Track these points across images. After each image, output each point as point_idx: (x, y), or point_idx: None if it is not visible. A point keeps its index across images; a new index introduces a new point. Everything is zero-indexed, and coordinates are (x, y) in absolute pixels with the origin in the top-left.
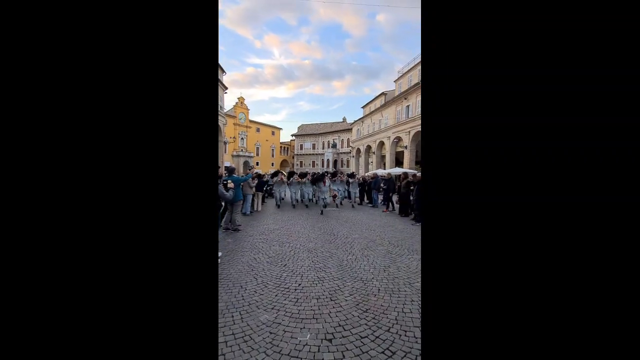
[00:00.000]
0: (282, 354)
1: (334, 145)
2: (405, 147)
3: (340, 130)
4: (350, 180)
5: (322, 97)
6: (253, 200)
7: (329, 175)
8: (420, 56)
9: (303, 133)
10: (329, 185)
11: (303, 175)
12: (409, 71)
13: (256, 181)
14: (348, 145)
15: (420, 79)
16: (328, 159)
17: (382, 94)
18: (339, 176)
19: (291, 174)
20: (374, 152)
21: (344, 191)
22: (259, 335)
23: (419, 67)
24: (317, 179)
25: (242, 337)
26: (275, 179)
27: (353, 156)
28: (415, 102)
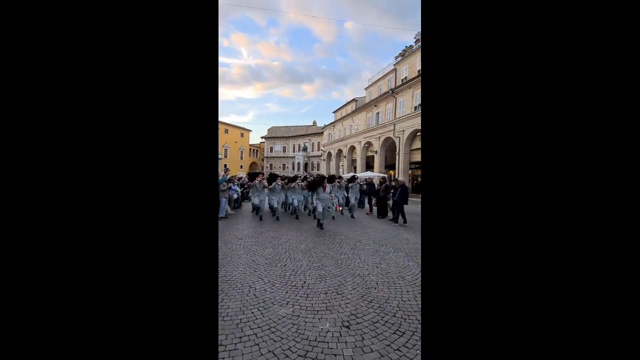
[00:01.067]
0: (309, 340)
1: (305, 149)
2: (376, 152)
3: (311, 134)
4: (350, 184)
5: (291, 99)
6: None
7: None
8: (387, 68)
9: (273, 135)
10: (330, 192)
11: (291, 179)
12: (378, 80)
13: (230, 185)
14: (319, 149)
15: (389, 87)
16: (299, 162)
17: (353, 100)
18: (337, 181)
19: (273, 177)
20: (344, 156)
21: (342, 198)
22: (283, 327)
23: (388, 77)
24: (315, 184)
25: (269, 328)
26: (253, 182)
27: (324, 160)
28: (384, 110)
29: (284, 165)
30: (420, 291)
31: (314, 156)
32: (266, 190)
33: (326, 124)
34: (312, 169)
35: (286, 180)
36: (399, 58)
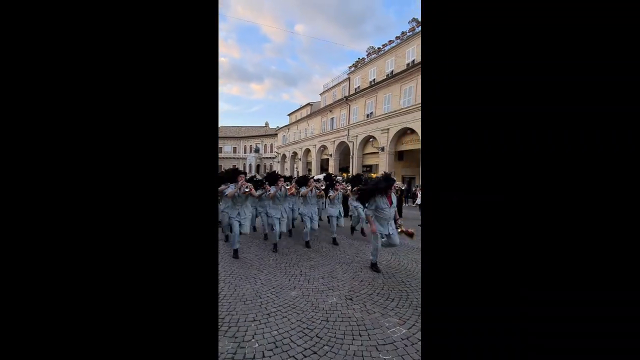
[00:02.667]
0: (325, 310)
1: (257, 150)
2: (330, 155)
3: (264, 135)
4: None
5: (240, 98)
6: None
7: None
8: (342, 76)
9: (223, 135)
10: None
11: (301, 180)
12: (333, 87)
13: None
14: (271, 150)
15: (343, 95)
16: (250, 164)
17: (308, 104)
18: (341, 185)
19: (272, 176)
20: (299, 159)
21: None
22: (299, 303)
23: (343, 85)
24: (373, 191)
25: (289, 305)
26: (229, 189)
27: (278, 162)
28: (339, 116)
29: (234, 166)
30: (395, 272)
31: (267, 158)
32: (246, 205)
33: (279, 125)
34: (265, 171)
35: (289, 184)
36: (352, 68)
